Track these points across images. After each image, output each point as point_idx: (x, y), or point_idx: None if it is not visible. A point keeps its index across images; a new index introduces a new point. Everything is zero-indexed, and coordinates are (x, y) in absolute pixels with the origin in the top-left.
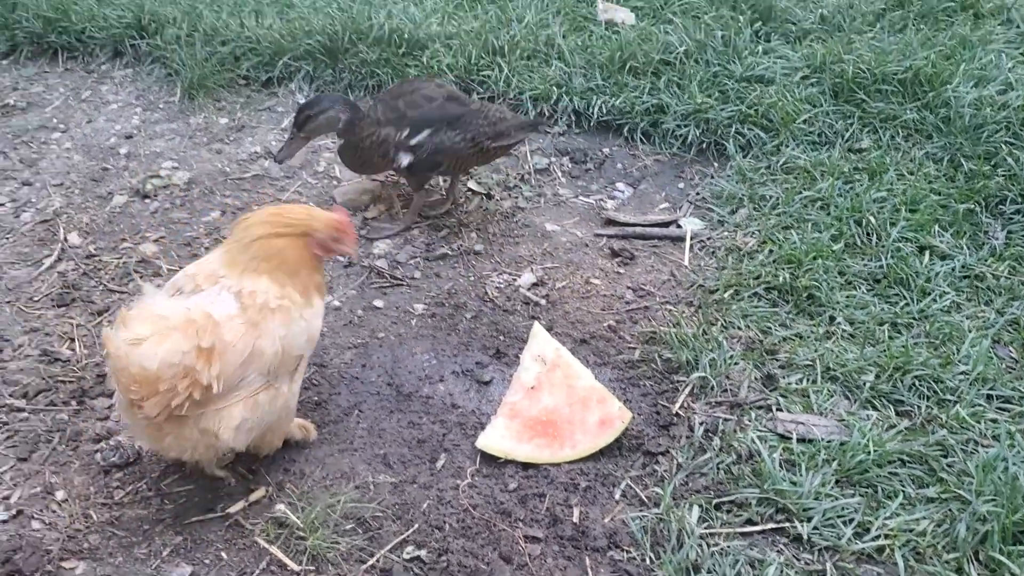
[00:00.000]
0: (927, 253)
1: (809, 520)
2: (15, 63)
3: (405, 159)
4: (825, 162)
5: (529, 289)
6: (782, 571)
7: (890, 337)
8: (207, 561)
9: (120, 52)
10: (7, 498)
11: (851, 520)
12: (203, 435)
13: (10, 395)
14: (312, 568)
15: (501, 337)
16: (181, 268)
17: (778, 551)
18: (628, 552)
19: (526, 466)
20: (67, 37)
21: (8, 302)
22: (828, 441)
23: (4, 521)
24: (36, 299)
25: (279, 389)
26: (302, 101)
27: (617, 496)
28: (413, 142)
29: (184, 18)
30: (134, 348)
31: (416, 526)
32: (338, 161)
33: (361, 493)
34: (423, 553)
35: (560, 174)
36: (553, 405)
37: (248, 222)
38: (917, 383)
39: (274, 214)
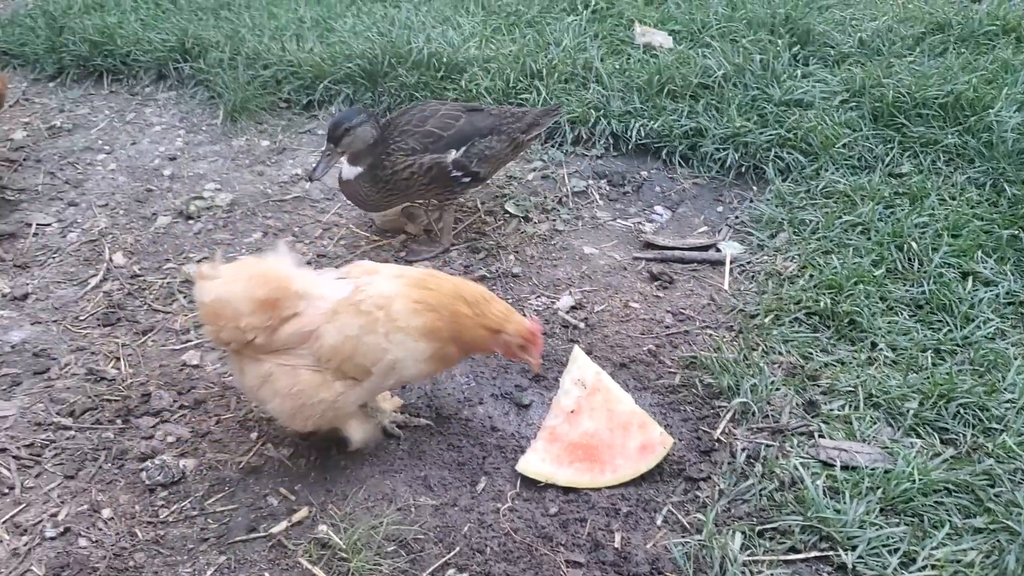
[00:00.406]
0: (970, 279)
1: (854, 549)
2: (61, 85)
3: (462, 174)
4: (865, 186)
5: (568, 312)
6: None
7: (933, 364)
8: None
9: (164, 75)
10: (55, 515)
11: (897, 550)
12: (247, 375)
13: (57, 413)
14: None
15: (540, 360)
16: None
17: None
18: None
19: (567, 490)
20: (112, 60)
21: (55, 321)
22: (872, 469)
23: (52, 538)
24: (82, 318)
25: (329, 382)
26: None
27: (659, 522)
28: (464, 158)
29: (227, 42)
30: (203, 281)
31: (458, 549)
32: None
33: (403, 515)
34: None
35: (598, 197)
36: (593, 429)
37: (456, 286)
38: (962, 411)
39: (481, 300)
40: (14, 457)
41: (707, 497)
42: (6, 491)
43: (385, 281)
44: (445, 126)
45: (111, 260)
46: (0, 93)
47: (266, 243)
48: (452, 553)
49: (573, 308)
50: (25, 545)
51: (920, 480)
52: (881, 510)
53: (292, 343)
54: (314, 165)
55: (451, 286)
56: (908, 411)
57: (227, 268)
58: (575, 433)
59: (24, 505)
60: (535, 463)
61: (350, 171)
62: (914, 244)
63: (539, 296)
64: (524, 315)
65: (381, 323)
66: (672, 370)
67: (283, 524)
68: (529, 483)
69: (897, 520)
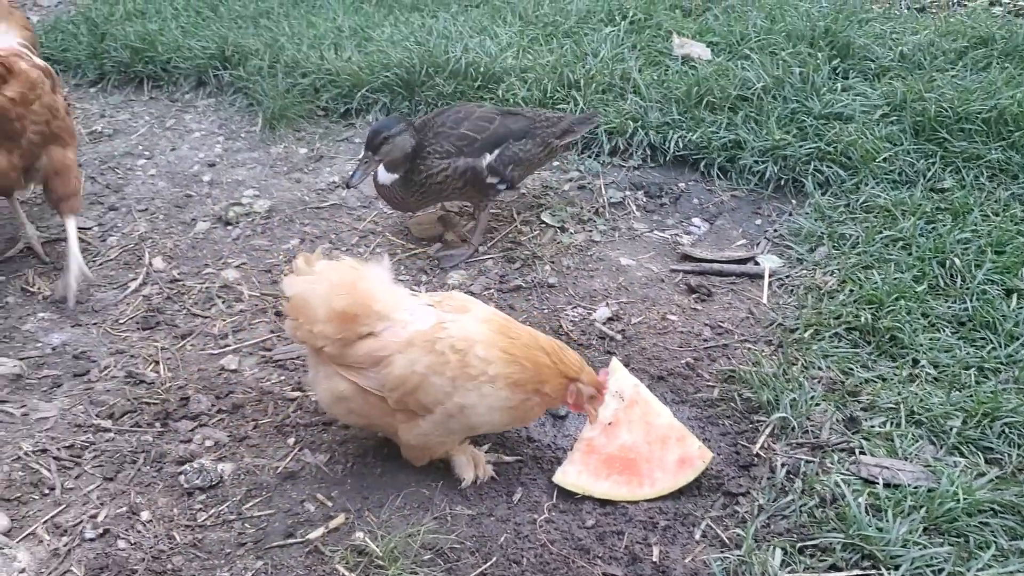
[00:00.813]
0: (1014, 296)
1: (897, 568)
2: (103, 91)
3: (496, 178)
4: (906, 201)
5: (604, 323)
6: None
7: (977, 382)
8: None
9: (204, 82)
10: (94, 517)
11: (941, 570)
12: (322, 384)
13: (97, 415)
14: None
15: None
16: (261, 294)
17: None
18: None
19: (603, 503)
20: (153, 67)
21: (95, 324)
22: (915, 487)
23: (91, 540)
24: (122, 321)
25: (391, 411)
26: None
27: (697, 536)
28: (497, 162)
29: (266, 50)
30: (290, 275)
31: (494, 559)
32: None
33: (439, 524)
34: None
35: (635, 208)
36: (631, 442)
37: (533, 335)
38: (1007, 430)
39: (557, 350)
40: (54, 458)
41: (746, 512)
42: (47, 492)
43: (471, 323)
44: (479, 129)
45: (151, 264)
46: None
47: (304, 250)
48: (488, 563)
49: (610, 320)
50: (65, 546)
51: (965, 500)
52: (925, 530)
53: (364, 363)
54: (351, 172)
55: (529, 335)
56: (951, 429)
57: (321, 266)
58: (612, 445)
59: (64, 506)
60: (572, 475)
61: (386, 176)
62: (956, 260)
63: (575, 307)
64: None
65: (451, 367)
66: (710, 383)
67: (320, 530)
68: (565, 494)
69: (941, 540)
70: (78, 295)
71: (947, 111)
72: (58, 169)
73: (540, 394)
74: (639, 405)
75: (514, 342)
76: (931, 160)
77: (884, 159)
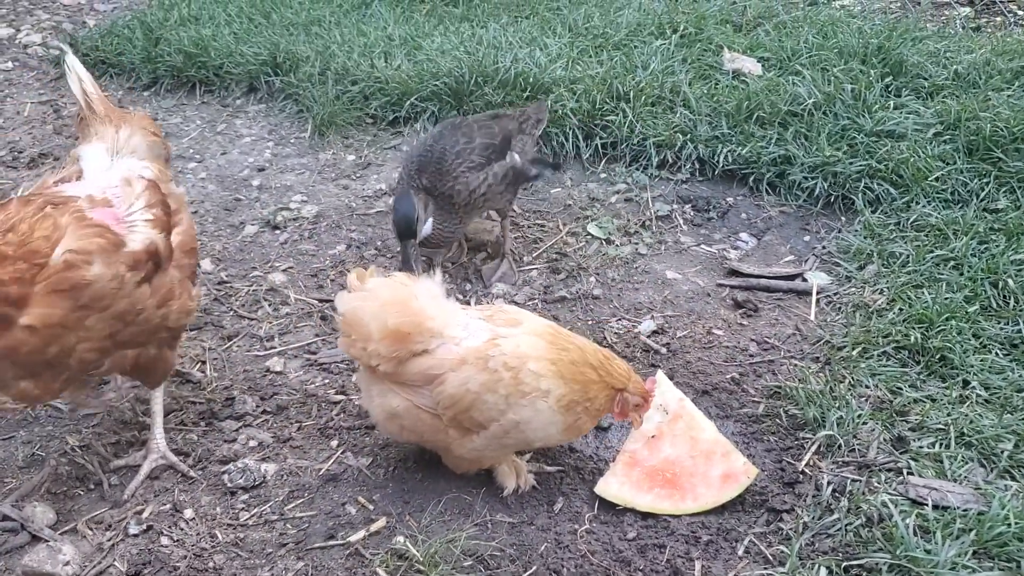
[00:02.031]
0: None
1: None
2: (156, 95)
3: (536, 169)
4: (959, 221)
5: (649, 336)
6: None
7: None
8: None
9: (255, 88)
10: (139, 512)
11: None
12: (376, 400)
13: (143, 412)
14: None
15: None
16: (307, 298)
17: None
18: None
19: (645, 515)
20: (205, 72)
21: None
22: (964, 510)
23: (135, 535)
24: None
25: (445, 428)
26: (394, 215)
27: (740, 552)
28: (522, 156)
29: (317, 57)
30: (342, 292)
31: (534, 568)
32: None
33: (480, 530)
34: None
35: (682, 222)
36: (675, 456)
37: (582, 349)
38: None
39: (604, 362)
40: (100, 455)
41: (791, 529)
42: (92, 487)
43: (523, 338)
44: (491, 135)
45: (199, 266)
46: None
47: (350, 256)
48: (528, 572)
49: (654, 332)
50: (109, 540)
51: (1016, 524)
52: (974, 553)
53: (417, 381)
54: (411, 265)
55: (578, 350)
56: (1002, 452)
57: (373, 283)
58: (656, 459)
59: (109, 502)
60: (614, 486)
61: (428, 227)
62: (1010, 282)
63: (620, 319)
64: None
65: (504, 384)
66: (756, 399)
67: (361, 533)
68: (607, 506)
69: (991, 565)
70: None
71: (1002, 130)
72: (144, 366)
73: (588, 411)
74: (683, 419)
75: (563, 358)
76: (985, 180)
77: (936, 178)
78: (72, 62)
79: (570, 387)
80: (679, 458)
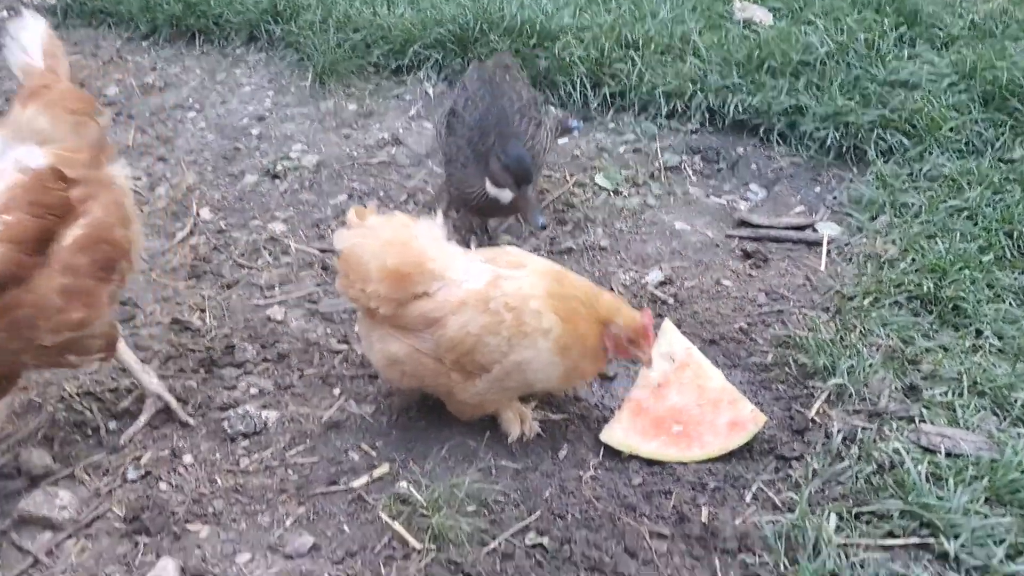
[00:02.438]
0: None
1: (956, 537)
2: (155, 44)
3: (573, 122)
4: (973, 171)
5: (656, 287)
6: None
7: None
8: (329, 533)
9: (255, 37)
10: (138, 458)
11: (1003, 541)
12: (376, 346)
13: (141, 360)
14: (433, 547)
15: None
16: (308, 248)
17: (923, 567)
18: (760, 557)
19: (650, 463)
20: (205, 21)
21: (141, 272)
22: (977, 457)
23: (134, 480)
24: (168, 270)
25: (447, 372)
26: (509, 160)
27: (748, 499)
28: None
29: (318, 5)
30: (341, 229)
31: (538, 513)
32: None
33: (483, 476)
34: (545, 540)
35: (691, 173)
36: (681, 404)
37: (571, 281)
38: None
39: (591, 294)
40: (98, 400)
41: (800, 477)
42: (90, 433)
43: (526, 278)
44: (529, 87)
45: (198, 215)
46: None
47: (351, 206)
48: (533, 517)
49: (662, 283)
50: (106, 486)
51: None
52: (986, 500)
53: (418, 325)
54: (535, 217)
55: (571, 285)
56: (1016, 401)
57: (373, 221)
58: (662, 407)
59: (108, 448)
60: (619, 434)
61: (498, 191)
62: None
63: (627, 271)
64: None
65: (506, 326)
66: (764, 349)
67: (363, 479)
68: (612, 453)
69: (1003, 511)
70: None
71: (1019, 80)
72: (66, 364)
73: (585, 350)
74: (691, 367)
75: (557, 292)
76: (1000, 130)
77: (951, 128)
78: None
79: (564, 326)
80: (686, 406)
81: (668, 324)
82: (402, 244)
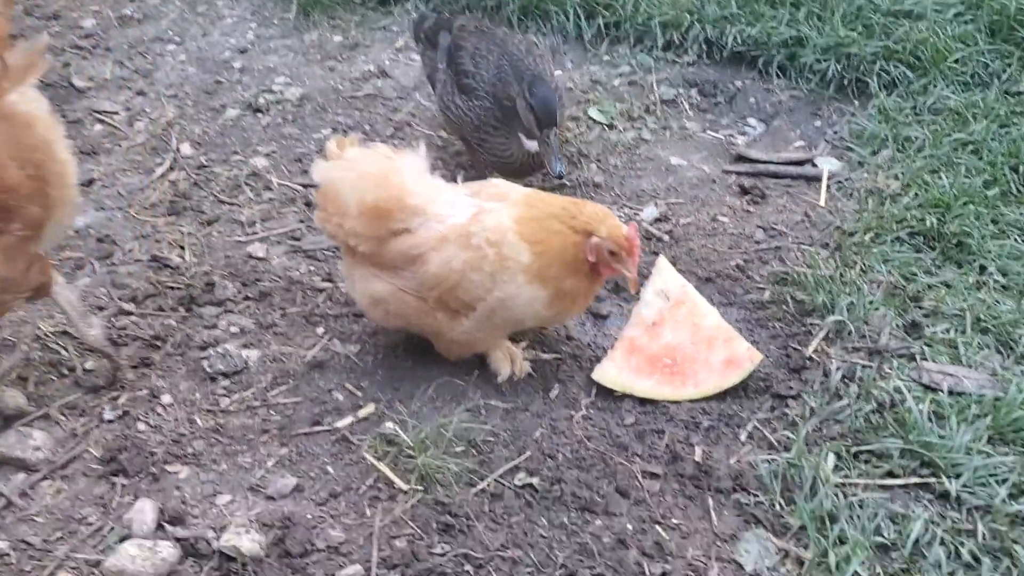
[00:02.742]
0: None
1: (958, 477)
2: None
3: None
4: (979, 104)
5: (652, 224)
6: (928, 528)
7: None
8: (312, 474)
9: None
10: (115, 398)
11: (1006, 480)
12: (358, 286)
13: (119, 298)
14: (420, 488)
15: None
16: (291, 183)
17: (923, 507)
18: (755, 496)
19: (643, 401)
20: None
21: (120, 208)
22: (980, 395)
23: (110, 421)
24: (147, 206)
25: (431, 311)
26: (535, 101)
27: (743, 438)
28: None
29: None
30: (319, 160)
31: (528, 453)
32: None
33: (472, 416)
34: (535, 481)
35: (688, 107)
36: (676, 342)
37: (544, 201)
38: None
39: (571, 204)
40: (75, 340)
41: (796, 415)
42: (66, 373)
43: (505, 210)
44: (516, 40)
45: (178, 150)
46: None
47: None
48: (523, 457)
49: (657, 220)
50: (83, 427)
51: None
52: (989, 439)
53: (398, 263)
54: (554, 163)
55: (543, 205)
56: (1020, 338)
57: (353, 153)
58: (656, 345)
59: (83, 388)
60: (612, 372)
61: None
62: None
63: (621, 207)
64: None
65: (489, 261)
66: (761, 286)
67: (348, 419)
68: (604, 392)
69: (1006, 450)
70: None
71: None
72: None
73: (567, 272)
74: (686, 305)
75: (526, 215)
76: (1007, 61)
77: (956, 59)
78: None
79: (535, 249)
80: (680, 344)
81: (663, 261)
82: (382, 178)
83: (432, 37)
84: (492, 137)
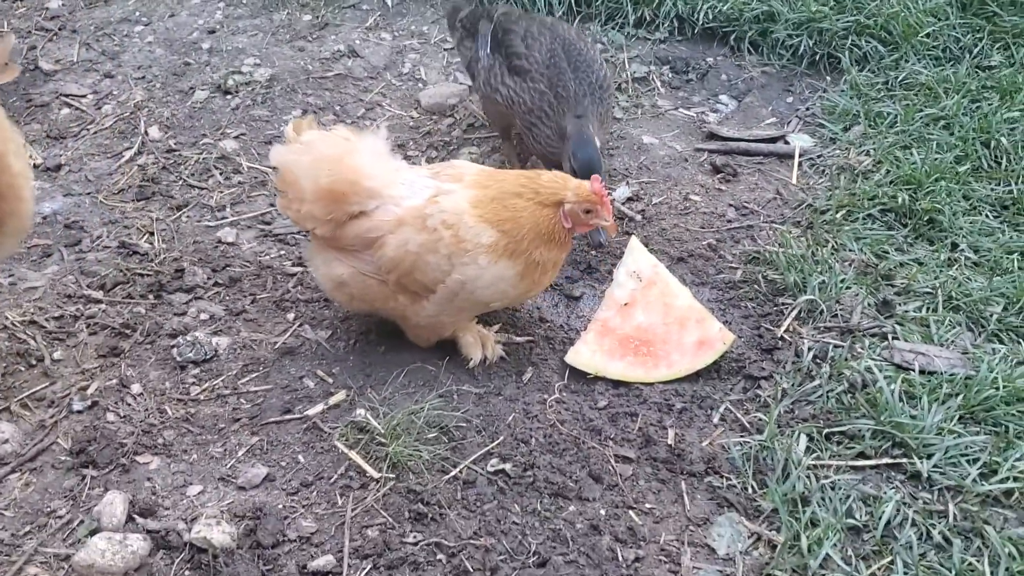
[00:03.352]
0: None
1: (929, 457)
2: None
3: None
4: (950, 79)
5: (624, 203)
6: (899, 509)
7: (1020, 267)
8: (283, 463)
9: None
10: (84, 389)
11: (977, 460)
12: (321, 270)
13: (88, 286)
14: (392, 476)
15: (592, 252)
16: (261, 166)
17: (895, 488)
18: (728, 479)
19: (616, 384)
20: None
21: (88, 193)
22: (951, 374)
23: (80, 412)
24: (115, 191)
25: (392, 294)
26: (579, 165)
27: (715, 420)
28: None
29: None
30: (277, 145)
31: (501, 439)
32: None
33: (444, 402)
34: (508, 467)
35: (659, 84)
36: (648, 323)
37: (498, 179)
38: None
39: (529, 179)
40: (43, 329)
41: (769, 396)
42: (33, 363)
43: (460, 192)
44: (556, 21)
45: (146, 134)
46: None
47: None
48: (495, 443)
49: (630, 199)
50: (52, 418)
51: (1004, 388)
52: (960, 418)
53: (356, 246)
54: (599, 233)
55: (498, 184)
56: (991, 316)
57: (310, 136)
58: (628, 326)
59: (52, 379)
60: (585, 355)
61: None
62: (1003, 140)
63: None
64: None
65: (444, 244)
66: (733, 265)
67: (319, 407)
68: (578, 375)
69: (977, 429)
70: None
71: None
72: None
73: (539, 245)
74: (658, 286)
75: (484, 197)
76: (978, 35)
77: (927, 34)
78: None
79: (501, 228)
80: (652, 325)
81: (635, 241)
82: (336, 160)
83: (470, 26)
84: (543, 124)
